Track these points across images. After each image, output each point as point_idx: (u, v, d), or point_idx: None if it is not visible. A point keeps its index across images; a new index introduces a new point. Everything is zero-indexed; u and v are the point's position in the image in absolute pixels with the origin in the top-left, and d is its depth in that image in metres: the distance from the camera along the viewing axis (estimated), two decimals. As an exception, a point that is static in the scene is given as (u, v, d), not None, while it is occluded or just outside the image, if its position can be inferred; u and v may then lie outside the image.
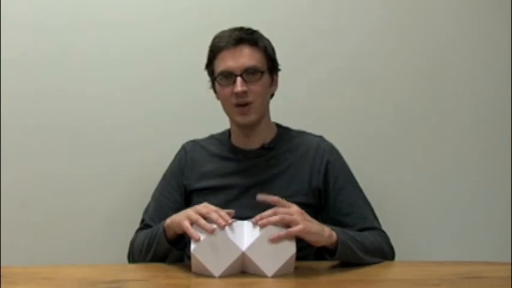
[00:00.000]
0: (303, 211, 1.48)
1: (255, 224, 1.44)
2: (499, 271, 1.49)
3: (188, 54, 2.05)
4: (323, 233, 1.47)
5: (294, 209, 1.48)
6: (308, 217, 1.48)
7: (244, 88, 1.64)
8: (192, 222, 1.45)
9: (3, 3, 2.03)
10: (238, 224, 1.45)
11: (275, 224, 1.43)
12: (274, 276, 1.41)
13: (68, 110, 2.09)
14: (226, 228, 1.42)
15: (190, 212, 1.48)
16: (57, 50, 2.07)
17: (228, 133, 1.81)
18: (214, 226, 1.42)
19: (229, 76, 1.66)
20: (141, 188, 1.92)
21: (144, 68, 2.10)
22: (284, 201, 1.49)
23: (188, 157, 1.80)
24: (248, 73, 1.65)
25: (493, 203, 2.18)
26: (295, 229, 1.43)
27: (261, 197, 1.50)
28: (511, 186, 2.15)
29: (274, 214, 1.45)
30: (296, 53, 2.11)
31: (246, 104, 1.67)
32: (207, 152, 1.80)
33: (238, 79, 1.64)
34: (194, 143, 1.84)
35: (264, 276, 1.41)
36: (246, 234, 1.43)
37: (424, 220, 2.16)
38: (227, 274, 1.42)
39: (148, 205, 1.79)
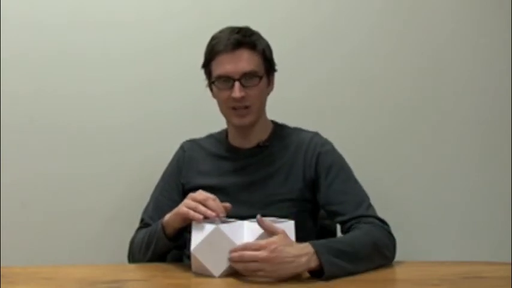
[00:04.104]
0: (272, 254, 1.37)
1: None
2: (499, 271, 1.49)
3: (188, 54, 2.04)
4: (296, 269, 1.40)
5: (264, 254, 1.37)
6: (278, 259, 1.37)
7: (243, 94, 1.63)
8: (192, 209, 1.45)
9: (3, 3, 2.03)
10: (238, 224, 1.45)
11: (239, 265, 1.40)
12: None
13: (68, 110, 2.09)
14: (226, 227, 1.42)
15: (187, 201, 1.49)
16: (57, 50, 2.07)
17: (225, 132, 1.81)
18: (212, 226, 1.42)
19: (227, 80, 1.65)
20: (140, 188, 1.92)
21: (144, 68, 2.10)
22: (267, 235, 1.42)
23: (186, 156, 1.80)
24: (246, 78, 1.64)
25: (493, 203, 2.18)
26: (259, 275, 1.38)
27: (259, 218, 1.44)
28: (511, 186, 2.15)
29: (239, 255, 1.39)
30: (296, 53, 2.11)
31: (243, 107, 1.67)
32: (205, 151, 1.80)
33: (237, 84, 1.63)
34: (192, 142, 1.84)
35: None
36: (245, 234, 1.43)
37: (424, 220, 2.17)
38: (227, 274, 1.41)
39: (148, 204, 1.79)
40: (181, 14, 2.11)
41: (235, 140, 1.77)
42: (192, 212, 1.45)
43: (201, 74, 1.73)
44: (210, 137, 1.84)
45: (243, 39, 1.65)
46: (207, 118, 1.84)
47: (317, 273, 1.42)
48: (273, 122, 1.81)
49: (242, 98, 1.64)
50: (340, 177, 1.69)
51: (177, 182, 1.78)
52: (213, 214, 1.43)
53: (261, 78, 1.67)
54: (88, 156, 2.10)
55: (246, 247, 1.39)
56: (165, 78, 2.11)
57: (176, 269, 1.53)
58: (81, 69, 2.08)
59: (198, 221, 1.44)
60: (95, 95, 2.09)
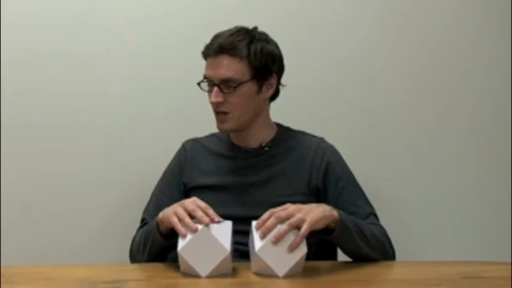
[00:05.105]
0: (297, 205, 1.45)
1: (258, 229, 1.42)
2: (499, 271, 1.49)
3: (188, 54, 2.04)
4: (325, 213, 1.46)
5: (291, 207, 1.45)
6: (305, 207, 1.45)
7: (219, 99, 1.64)
8: (179, 218, 1.43)
9: (3, 3, 2.04)
10: (226, 224, 1.43)
11: (282, 233, 1.40)
12: (285, 276, 1.40)
13: (68, 110, 2.09)
14: (214, 228, 1.41)
15: (178, 208, 1.47)
16: (57, 50, 2.07)
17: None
18: (199, 226, 1.40)
19: (210, 84, 1.67)
20: (141, 188, 1.92)
21: (144, 68, 2.10)
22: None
23: (188, 155, 1.80)
24: (225, 84, 1.65)
25: (493, 203, 2.18)
26: (305, 229, 1.40)
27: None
28: (511, 186, 2.15)
29: (274, 217, 1.42)
30: (296, 53, 2.11)
31: (224, 113, 1.67)
32: (207, 150, 1.80)
33: (215, 89, 1.65)
34: (194, 141, 1.84)
35: (275, 276, 1.40)
36: (255, 235, 1.41)
37: (424, 220, 2.17)
38: (215, 274, 1.39)
39: (149, 204, 1.79)
40: (181, 14, 2.11)
41: (237, 140, 1.77)
42: (178, 226, 1.42)
43: (201, 74, 1.73)
44: (212, 136, 1.84)
45: (226, 45, 1.64)
46: (207, 118, 1.83)
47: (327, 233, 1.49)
48: (277, 124, 1.80)
49: (220, 104, 1.65)
50: (349, 187, 1.71)
51: (178, 181, 1.78)
52: (195, 227, 1.40)
53: (240, 84, 1.65)
54: (88, 156, 2.10)
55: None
56: (165, 78, 2.11)
57: (176, 269, 1.52)
58: (81, 69, 2.09)
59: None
60: (95, 95, 2.09)
